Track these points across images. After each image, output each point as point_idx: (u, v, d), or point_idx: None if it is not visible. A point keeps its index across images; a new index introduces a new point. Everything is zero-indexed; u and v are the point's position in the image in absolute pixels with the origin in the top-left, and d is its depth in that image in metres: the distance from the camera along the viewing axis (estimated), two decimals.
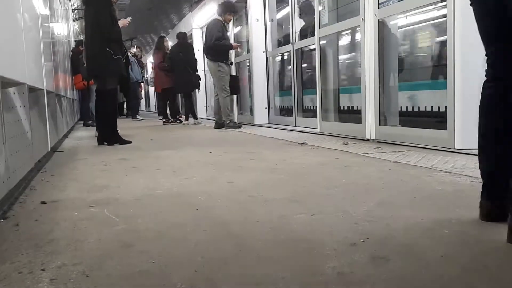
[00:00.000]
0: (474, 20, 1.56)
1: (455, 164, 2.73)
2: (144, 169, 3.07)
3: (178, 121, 9.01)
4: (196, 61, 8.37)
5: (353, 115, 5.08)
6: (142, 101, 17.82)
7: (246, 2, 7.71)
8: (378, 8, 4.04)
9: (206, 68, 9.95)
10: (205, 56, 6.92)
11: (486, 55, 1.55)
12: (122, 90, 5.71)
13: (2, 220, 1.80)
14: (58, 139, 5.16)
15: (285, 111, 7.41)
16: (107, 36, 4.57)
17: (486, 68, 1.57)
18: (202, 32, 10.91)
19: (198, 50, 9.36)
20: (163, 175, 2.78)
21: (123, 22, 4.91)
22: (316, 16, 5.29)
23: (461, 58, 3.20)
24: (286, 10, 7.27)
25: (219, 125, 6.80)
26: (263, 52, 7.42)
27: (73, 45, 9.95)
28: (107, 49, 4.56)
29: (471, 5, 1.57)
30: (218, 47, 6.56)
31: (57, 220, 1.78)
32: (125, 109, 11.70)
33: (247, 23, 7.84)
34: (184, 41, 8.65)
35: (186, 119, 8.45)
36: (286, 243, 1.42)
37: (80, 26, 14.24)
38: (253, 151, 3.82)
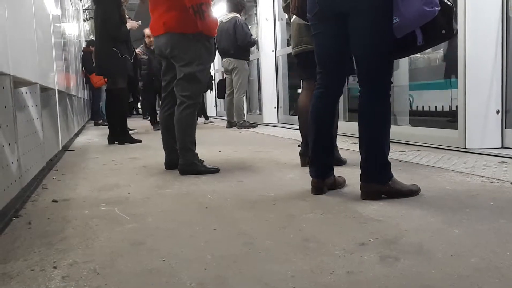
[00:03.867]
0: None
1: (465, 164, 2.71)
2: (154, 168, 3.09)
3: None
4: None
5: None
6: None
7: (255, 2, 7.70)
8: None
9: (217, 67, 9.95)
10: (223, 54, 6.58)
11: None
12: (129, 90, 5.72)
13: (14, 218, 1.83)
14: (69, 138, 5.22)
15: (295, 111, 7.39)
16: (114, 36, 4.60)
17: None
18: None
19: None
20: (173, 174, 2.80)
21: (131, 24, 4.93)
22: None
23: (472, 56, 3.16)
24: None
25: (231, 124, 6.78)
26: (272, 51, 7.40)
27: (83, 45, 10.03)
28: (114, 48, 4.59)
29: None
30: (251, 45, 6.52)
31: (69, 219, 1.80)
32: (139, 109, 11.64)
33: (257, 22, 7.83)
34: None
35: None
36: (295, 242, 1.42)
37: (90, 26, 14.33)
38: (262, 150, 3.82)
